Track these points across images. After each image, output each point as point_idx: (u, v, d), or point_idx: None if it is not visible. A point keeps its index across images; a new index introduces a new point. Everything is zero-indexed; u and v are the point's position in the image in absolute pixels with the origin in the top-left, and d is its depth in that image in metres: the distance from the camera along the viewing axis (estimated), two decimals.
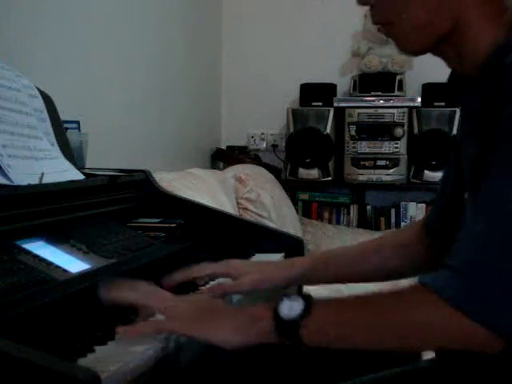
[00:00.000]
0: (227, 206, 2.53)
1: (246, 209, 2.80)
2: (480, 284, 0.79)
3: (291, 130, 3.36)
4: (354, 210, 3.45)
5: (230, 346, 0.88)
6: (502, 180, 0.82)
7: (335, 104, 3.35)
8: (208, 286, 1.18)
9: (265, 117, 3.65)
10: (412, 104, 3.26)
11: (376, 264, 1.22)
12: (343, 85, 3.50)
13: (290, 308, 0.86)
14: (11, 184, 1.12)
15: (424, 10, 0.92)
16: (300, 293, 1.31)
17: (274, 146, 3.65)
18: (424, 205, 3.33)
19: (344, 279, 1.28)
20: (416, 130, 3.24)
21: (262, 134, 3.69)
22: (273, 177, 3.21)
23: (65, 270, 1.02)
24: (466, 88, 0.98)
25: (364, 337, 0.85)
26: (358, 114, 3.31)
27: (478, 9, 0.93)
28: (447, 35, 0.94)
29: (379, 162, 3.30)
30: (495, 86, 0.88)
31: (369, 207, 3.46)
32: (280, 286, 1.20)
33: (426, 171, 3.21)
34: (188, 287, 1.15)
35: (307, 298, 0.87)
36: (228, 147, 3.64)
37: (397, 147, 3.27)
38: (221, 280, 1.20)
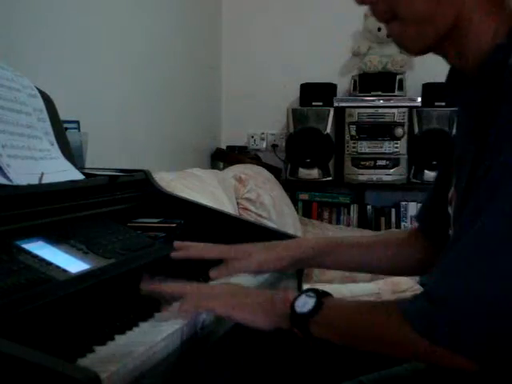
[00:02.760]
0: (227, 205, 2.53)
1: (246, 209, 2.80)
2: (443, 312, 0.84)
3: (291, 130, 3.36)
4: (354, 209, 3.45)
5: (258, 327, 1.01)
6: (489, 219, 0.84)
7: (335, 104, 3.35)
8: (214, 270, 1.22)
9: (265, 117, 3.65)
10: (412, 104, 3.26)
11: (380, 259, 1.27)
12: (343, 85, 3.50)
13: (304, 303, 0.97)
14: (11, 184, 1.12)
15: (426, 3, 0.92)
16: (299, 288, 1.42)
17: (274, 146, 3.66)
18: None
19: (347, 267, 1.35)
20: (416, 130, 3.24)
21: (262, 133, 3.69)
22: (273, 177, 3.21)
23: (65, 270, 1.02)
24: (465, 86, 0.97)
25: (349, 342, 0.96)
26: (358, 113, 3.31)
27: (479, 4, 0.92)
28: (449, 31, 0.93)
29: (379, 162, 3.30)
30: (496, 86, 0.88)
31: (369, 207, 3.46)
32: (286, 267, 1.25)
33: (426, 171, 3.21)
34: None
35: (320, 297, 0.97)
36: (228, 147, 3.64)
37: (397, 147, 3.27)
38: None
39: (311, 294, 0.98)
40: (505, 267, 0.82)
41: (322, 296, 0.98)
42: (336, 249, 1.28)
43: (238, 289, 1.09)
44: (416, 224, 1.29)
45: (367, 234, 3.16)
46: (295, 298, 0.98)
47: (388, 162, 3.29)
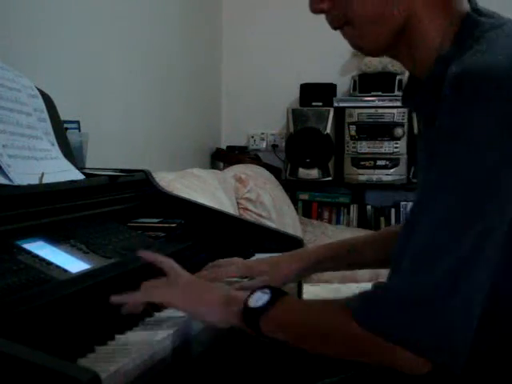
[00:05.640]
0: (227, 206, 2.53)
1: (246, 209, 2.80)
2: (381, 302, 0.83)
3: (291, 129, 3.36)
4: (354, 209, 3.45)
5: (210, 323, 0.98)
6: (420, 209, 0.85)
7: (335, 104, 3.35)
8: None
9: (265, 117, 3.65)
10: None
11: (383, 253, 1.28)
12: (343, 85, 3.50)
13: (258, 299, 0.93)
14: (11, 184, 1.12)
15: (376, 5, 0.95)
16: (299, 289, 1.47)
17: (274, 146, 3.66)
18: None
19: (368, 265, 1.37)
20: (416, 130, 3.24)
21: (262, 133, 3.69)
22: (273, 177, 3.21)
23: (65, 270, 1.02)
24: (417, 91, 1.00)
25: (298, 341, 0.92)
26: (358, 114, 3.31)
27: (428, 5, 0.95)
28: (401, 31, 0.96)
29: (379, 162, 3.30)
30: (438, 96, 0.89)
31: (369, 207, 3.46)
32: (295, 279, 1.28)
33: None
34: None
35: (275, 293, 0.93)
36: (228, 147, 3.64)
37: (397, 147, 3.28)
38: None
39: (266, 290, 0.95)
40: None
41: (277, 293, 0.94)
42: (338, 253, 1.29)
43: (199, 283, 1.05)
44: None
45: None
46: (249, 295, 0.95)
47: (388, 162, 3.29)
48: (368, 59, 3.34)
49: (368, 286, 2.38)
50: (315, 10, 1.01)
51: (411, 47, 0.98)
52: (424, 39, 0.96)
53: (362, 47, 1.02)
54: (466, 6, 0.97)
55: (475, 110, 0.82)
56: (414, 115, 3.23)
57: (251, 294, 0.94)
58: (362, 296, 0.86)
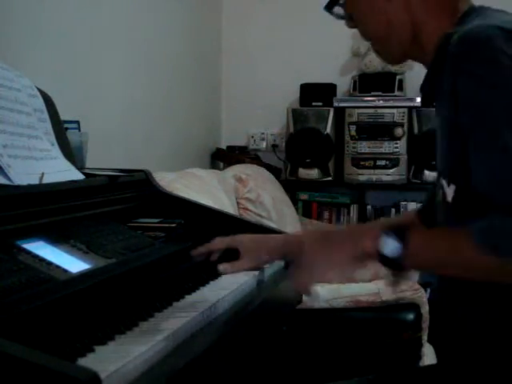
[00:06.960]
0: (227, 206, 2.53)
1: (246, 209, 2.80)
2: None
3: (291, 129, 3.36)
4: (354, 209, 3.45)
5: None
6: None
7: (335, 104, 3.35)
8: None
9: (265, 117, 3.65)
10: (412, 104, 3.26)
11: None
12: (343, 85, 3.50)
13: (391, 247, 0.97)
14: (11, 184, 1.12)
15: (379, 24, 1.07)
16: None
17: (274, 146, 3.66)
18: None
19: None
20: (416, 130, 3.24)
21: (262, 133, 3.69)
22: (273, 177, 3.21)
23: (65, 270, 1.02)
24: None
25: (436, 267, 1.00)
26: (358, 114, 3.31)
27: (429, 11, 1.04)
28: (413, 40, 1.05)
29: (379, 162, 3.30)
30: (444, 73, 0.96)
31: (369, 207, 3.46)
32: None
33: (425, 171, 3.21)
34: None
35: (404, 239, 0.97)
36: (228, 147, 3.64)
37: (397, 147, 3.28)
38: None
39: (392, 235, 0.98)
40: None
41: (404, 235, 0.98)
42: None
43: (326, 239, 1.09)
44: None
45: None
46: (380, 245, 0.98)
47: (388, 162, 3.29)
48: (368, 59, 3.34)
49: (368, 286, 2.38)
50: (348, 27, 1.14)
51: (422, 46, 1.06)
52: (435, 38, 1.02)
53: (382, 59, 1.13)
54: (471, 3, 1.05)
55: (496, 57, 0.87)
56: (415, 115, 3.24)
57: (381, 242, 0.98)
58: (483, 227, 0.89)
